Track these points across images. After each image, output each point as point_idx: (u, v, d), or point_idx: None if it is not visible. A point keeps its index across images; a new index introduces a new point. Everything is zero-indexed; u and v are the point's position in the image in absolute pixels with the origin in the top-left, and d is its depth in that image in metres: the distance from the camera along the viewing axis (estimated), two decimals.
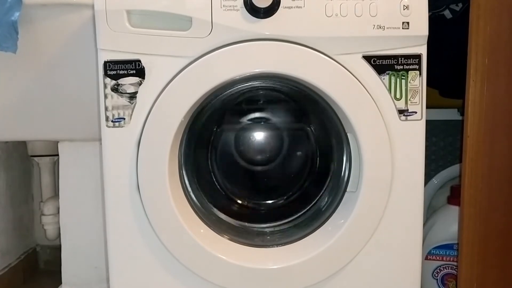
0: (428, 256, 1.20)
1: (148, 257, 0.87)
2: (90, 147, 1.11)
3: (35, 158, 1.41)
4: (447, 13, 1.12)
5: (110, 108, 0.84)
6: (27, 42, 0.98)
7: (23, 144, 1.41)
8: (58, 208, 1.18)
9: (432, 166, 1.36)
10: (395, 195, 0.87)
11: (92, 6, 0.83)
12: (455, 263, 1.16)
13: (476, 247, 0.93)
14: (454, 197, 1.18)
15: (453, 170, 1.37)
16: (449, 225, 1.18)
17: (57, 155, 1.17)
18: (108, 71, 0.83)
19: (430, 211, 1.32)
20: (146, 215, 0.85)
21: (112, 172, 0.85)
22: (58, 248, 1.20)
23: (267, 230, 0.98)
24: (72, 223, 1.17)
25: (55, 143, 1.18)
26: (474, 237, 0.93)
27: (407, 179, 0.87)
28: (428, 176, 1.34)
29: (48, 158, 1.39)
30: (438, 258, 1.20)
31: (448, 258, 1.19)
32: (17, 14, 0.95)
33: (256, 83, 0.92)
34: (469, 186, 0.92)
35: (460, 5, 1.11)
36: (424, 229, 1.17)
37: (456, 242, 1.13)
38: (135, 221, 0.86)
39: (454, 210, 1.15)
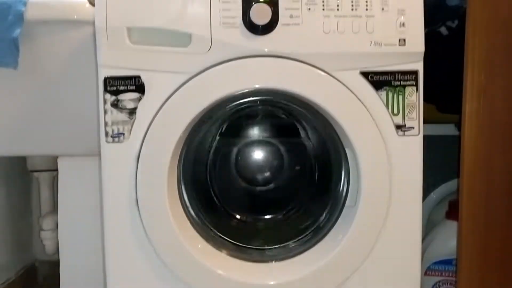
0: (427, 271, 1.19)
1: (147, 272, 0.87)
2: (89, 162, 1.11)
3: (35, 173, 1.41)
4: (443, 30, 1.13)
5: (109, 123, 0.84)
6: (28, 58, 0.99)
7: (22, 159, 1.41)
8: (57, 223, 1.18)
9: (430, 181, 1.36)
10: (393, 210, 0.87)
11: (93, 23, 0.84)
12: (454, 279, 1.16)
13: (475, 262, 0.93)
14: (453, 212, 1.18)
15: (451, 184, 1.37)
16: (448, 240, 1.17)
17: (57, 170, 1.17)
18: (108, 87, 0.84)
19: (429, 226, 1.32)
20: (144, 230, 0.85)
21: (111, 187, 0.86)
22: (57, 263, 1.19)
23: (265, 245, 0.98)
24: (70, 238, 1.16)
25: (55, 158, 1.18)
26: (473, 252, 0.93)
27: (405, 193, 0.87)
28: (426, 191, 1.34)
29: (47, 173, 1.39)
30: (437, 273, 1.19)
31: (447, 274, 1.18)
32: (18, 30, 0.96)
33: (255, 99, 0.93)
34: (467, 201, 0.92)
35: (456, 22, 1.13)
36: (423, 244, 1.17)
37: (455, 257, 1.13)
38: (133, 236, 0.86)
39: (453, 225, 1.14)
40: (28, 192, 1.52)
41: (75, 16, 1.00)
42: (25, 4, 0.98)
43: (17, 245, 1.45)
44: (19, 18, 0.97)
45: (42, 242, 1.35)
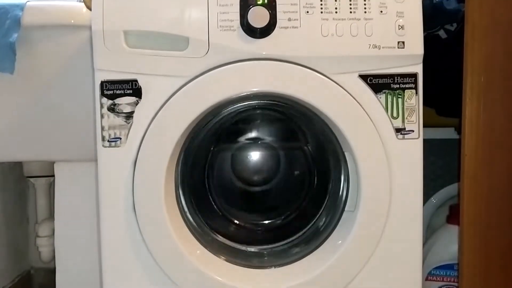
0: (428, 277, 1.18)
1: (144, 278, 0.86)
2: (86, 167, 1.11)
3: (31, 179, 1.40)
4: (442, 33, 1.13)
5: (106, 128, 0.84)
6: (24, 62, 0.99)
7: (19, 165, 1.41)
8: (53, 230, 1.17)
9: (430, 185, 1.36)
10: (393, 214, 0.86)
11: (90, 27, 0.84)
12: (456, 284, 1.15)
13: (477, 267, 0.92)
14: (453, 216, 1.17)
15: (452, 189, 1.36)
16: (449, 245, 1.17)
17: (53, 176, 1.16)
18: (105, 91, 0.83)
19: (429, 231, 1.31)
20: (141, 236, 0.84)
21: (108, 193, 0.85)
22: (53, 271, 1.18)
23: (264, 251, 0.97)
24: (66, 245, 1.15)
25: (51, 164, 1.17)
26: (475, 257, 0.92)
27: (405, 198, 0.86)
28: (426, 195, 1.33)
29: (44, 179, 1.38)
30: (438, 278, 1.18)
31: (449, 279, 1.17)
32: (15, 35, 0.96)
33: (253, 102, 0.92)
34: (468, 205, 0.91)
35: (455, 25, 1.13)
36: (424, 249, 1.16)
37: (456, 262, 1.12)
38: (130, 242, 0.85)
39: (453, 229, 1.14)
40: (24, 199, 1.50)
41: (72, 21, 0.99)
42: (22, 9, 0.98)
43: (12, 252, 1.43)
44: (16, 23, 0.97)
45: (38, 249, 1.34)
